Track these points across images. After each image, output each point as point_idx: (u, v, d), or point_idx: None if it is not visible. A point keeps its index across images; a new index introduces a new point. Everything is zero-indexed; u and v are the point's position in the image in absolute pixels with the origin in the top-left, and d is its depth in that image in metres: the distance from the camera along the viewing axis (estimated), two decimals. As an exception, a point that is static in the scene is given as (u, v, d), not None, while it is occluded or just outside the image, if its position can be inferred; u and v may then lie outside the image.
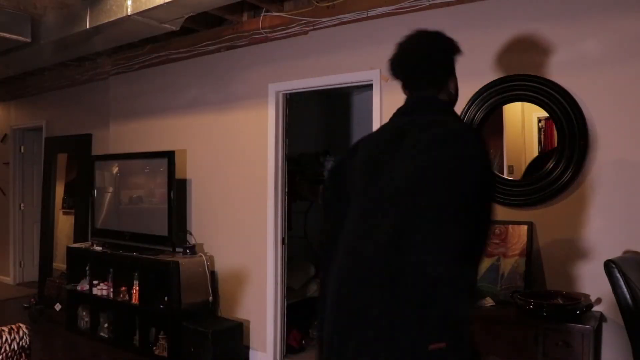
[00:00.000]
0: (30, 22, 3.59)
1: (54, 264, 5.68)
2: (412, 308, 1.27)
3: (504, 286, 2.74)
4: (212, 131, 4.28)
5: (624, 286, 2.07)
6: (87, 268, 4.63)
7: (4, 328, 2.23)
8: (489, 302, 2.67)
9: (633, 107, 2.53)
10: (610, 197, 2.58)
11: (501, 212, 2.86)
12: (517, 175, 2.91)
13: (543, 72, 2.72)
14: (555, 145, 2.74)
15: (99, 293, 4.44)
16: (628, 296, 2.07)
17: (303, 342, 4.17)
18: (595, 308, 2.53)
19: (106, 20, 3.23)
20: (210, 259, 4.18)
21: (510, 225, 2.80)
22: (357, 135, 5.71)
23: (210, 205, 4.27)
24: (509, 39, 2.86)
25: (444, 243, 1.30)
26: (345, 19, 3.39)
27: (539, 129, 2.90)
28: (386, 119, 3.16)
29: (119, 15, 3.14)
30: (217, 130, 4.25)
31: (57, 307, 4.99)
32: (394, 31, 3.25)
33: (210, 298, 3.99)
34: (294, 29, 3.61)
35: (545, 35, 2.75)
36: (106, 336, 4.43)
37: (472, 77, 2.95)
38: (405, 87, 1.63)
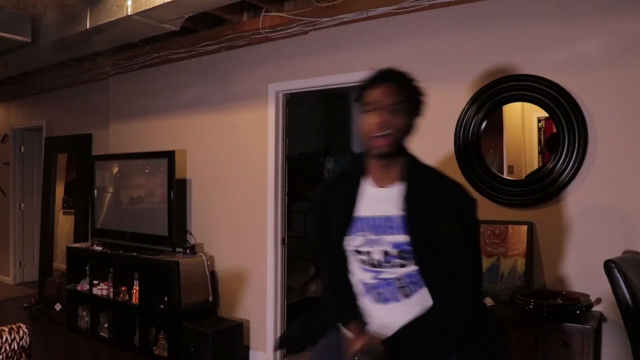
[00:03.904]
0: (30, 22, 3.59)
1: (54, 264, 5.68)
2: None
3: (504, 286, 2.74)
4: (212, 131, 4.28)
5: (624, 286, 2.08)
6: (87, 268, 4.63)
7: (4, 328, 2.23)
8: (488, 302, 2.67)
9: (633, 107, 2.53)
10: (610, 197, 2.58)
11: (501, 212, 2.86)
12: (517, 175, 2.91)
13: (543, 72, 2.72)
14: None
15: (99, 293, 4.44)
16: (628, 296, 2.07)
17: (303, 342, 4.17)
18: (595, 308, 2.53)
19: (106, 20, 3.23)
20: (210, 258, 4.18)
21: (510, 225, 2.80)
22: (357, 135, 5.71)
23: (210, 205, 4.27)
24: (509, 39, 2.86)
25: None
26: (345, 19, 3.39)
27: (539, 129, 2.90)
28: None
29: (119, 15, 3.14)
30: (217, 130, 4.25)
31: (57, 307, 4.99)
32: (394, 31, 3.28)
33: (210, 298, 3.99)
34: (294, 29, 3.61)
35: (545, 35, 2.75)
36: (106, 336, 4.43)
37: (472, 77, 2.95)
38: None
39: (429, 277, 1.51)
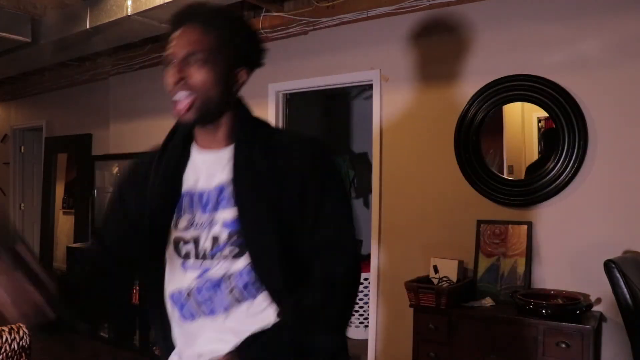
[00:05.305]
0: (30, 22, 3.59)
1: (54, 264, 5.68)
2: None
3: (504, 286, 2.74)
4: (212, 131, 4.28)
5: (624, 286, 2.08)
6: (87, 268, 4.63)
7: (4, 328, 2.23)
8: (489, 302, 2.67)
9: (633, 107, 2.53)
10: (610, 197, 2.58)
11: (501, 212, 2.86)
12: (517, 175, 2.91)
13: (543, 72, 2.72)
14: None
15: (99, 293, 4.43)
16: (628, 296, 2.07)
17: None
18: (595, 308, 2.53)
19: (106, 20, 3.23)
20: (210, 259, 4.17)
21: (510, 225, 2.80)
22: (357, 135, 5.72)
23: (210, 205, 4.26)
24: (509, 38, 2.86)
25: None
26: (345, 19, 3.39)
27: (539, 129, 2.90)
28: (386, 119, 3.17)
29: (119, 15, 3.14)
30: (217, 130, 4.24)
31: (57, 307, 4.99)
32: (394, 31, 3.28)
33: (210, 298, 3.98)
34: (294, 29, 3.60)
35: (545, 35, 2.75)
36: (106, 336, 4.43)
37: (472, 77, 2.95)
38: None
39: (265, 273, 1.10)
